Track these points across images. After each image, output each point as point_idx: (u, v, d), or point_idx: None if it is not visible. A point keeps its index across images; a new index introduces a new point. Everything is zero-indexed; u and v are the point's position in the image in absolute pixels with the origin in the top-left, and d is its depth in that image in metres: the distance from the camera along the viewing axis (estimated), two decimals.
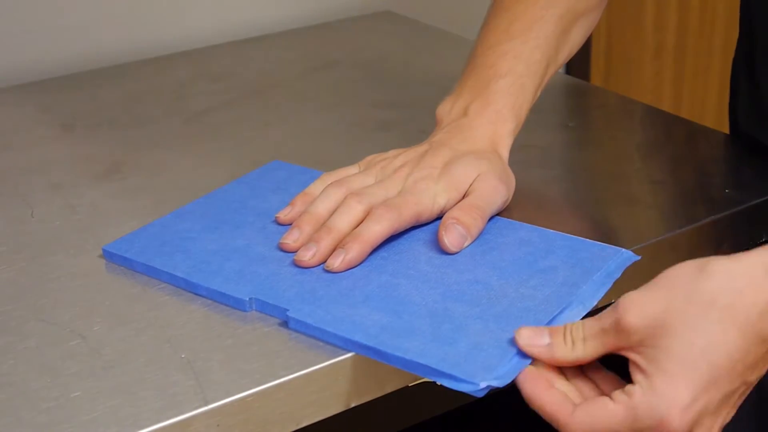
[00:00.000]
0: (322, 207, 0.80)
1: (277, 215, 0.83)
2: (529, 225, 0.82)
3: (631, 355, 0.62)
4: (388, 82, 1.17)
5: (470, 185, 0.81)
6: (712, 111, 1.98)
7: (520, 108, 0.87)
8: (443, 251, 0.78)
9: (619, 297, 0.63)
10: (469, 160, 0.82)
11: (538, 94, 0.90)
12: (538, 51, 0.88)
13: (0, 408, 0.64)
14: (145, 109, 1.11)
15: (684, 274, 0.62)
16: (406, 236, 0.80)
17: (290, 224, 0.81)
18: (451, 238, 0.78)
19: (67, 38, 1.24)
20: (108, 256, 0.80)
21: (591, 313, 0.68)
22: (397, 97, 1.11)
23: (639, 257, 0.75)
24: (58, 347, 0.70)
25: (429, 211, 0.80)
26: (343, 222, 0.78)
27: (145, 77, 1.19)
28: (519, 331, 0.66)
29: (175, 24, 1.31)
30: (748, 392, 0.63)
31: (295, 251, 0.78)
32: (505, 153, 0.86)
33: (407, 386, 0.72)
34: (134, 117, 1.09)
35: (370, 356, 0.68)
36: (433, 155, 0.83)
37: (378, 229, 0.77)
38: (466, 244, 0.78)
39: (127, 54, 1.27)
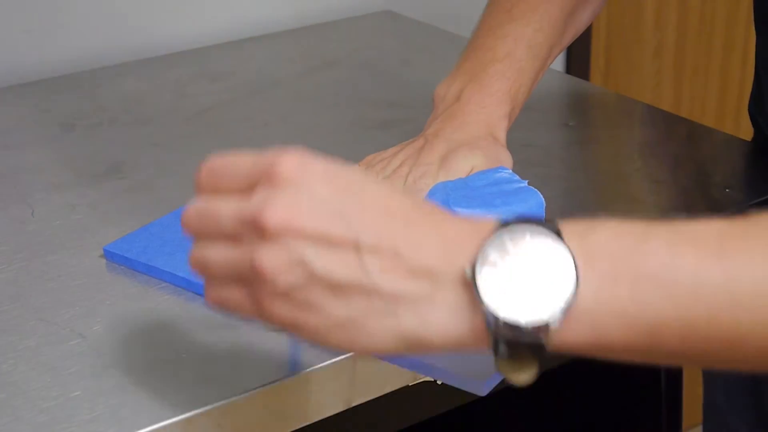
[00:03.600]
0: None
1: None
2: None
3: None
4: (388, 81, 1.17)
5: None
6: (712, 111, 1.98)
7: (517, 91, 0.86)
8: None
9: None
10: (463, 152, 0.82)
11: (540, 76, 0.88)
12: (541, 34, 0.87)
13: (0, 407, 0.64)
14: (145, 109, 1.11)
15: None
16: None
17: None
18: None
19: (67, 38, 1.24)
20: (109, 256, 0.80)
21: None
22: (397, 97, 1.11)
23: None
24: (58, 346, 0.70)
25: None
26: None
27: (145, 77, 1.19)
28: None
29: (175, 24, 1.31)
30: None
31: None
32: (501, 135, 0.85)
33: (407, 386, 0.72)
34: (134, 117, 1.09)
35: (373, 356, 0.68)
36: (429, 150, 0.83)
37: None
38: None
39: (127, 54, 1.26)
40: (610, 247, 0.50)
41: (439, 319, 0.50)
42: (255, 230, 0.51)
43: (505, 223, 0.50)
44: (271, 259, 0.50)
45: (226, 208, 0.53)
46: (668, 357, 0.51)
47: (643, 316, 0.48)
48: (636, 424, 1.02)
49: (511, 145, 0.85)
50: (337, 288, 0.50)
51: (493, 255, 0.49)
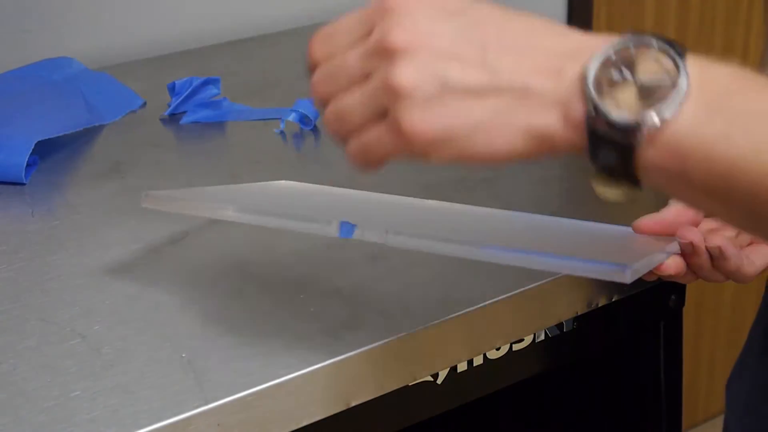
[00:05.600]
0: None
1: None
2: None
3: None
4: None
5: None
6: None
7: None
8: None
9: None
10: None
11: None
12: None
13: (0, 407, 0.64)
14: (145, 109, 1.11)
15: None
16: None
17: None
18: None
19: (66, 39, 1.24)
20: None
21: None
22: None
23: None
24: (58, 346, 0.70)
25: None
26: None
27: (145, 77, 1.19)
28: None
29: (175, 24, 1.31)
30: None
31: None
32: None
33: (407, 386, 0.72)
34: (134, 117, 1.09)
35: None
36: None
37: None
38: None
39: (127, 54, 1.27)
40: (724, 82, 0.51)
41: (558, 114, 0.52)
42: (384, 56, 0.54)
43: (634, 33, 0.53)
44: (404, 73, 0.53)
45: (351, 55, 0.56)
46: (740, 206, 0.52)
47: (727, 156, 0.50)
48: (636, 424, 1.02)
49: None
50: (471, 92, 0.53)
51: (612, 54, 0.52)
